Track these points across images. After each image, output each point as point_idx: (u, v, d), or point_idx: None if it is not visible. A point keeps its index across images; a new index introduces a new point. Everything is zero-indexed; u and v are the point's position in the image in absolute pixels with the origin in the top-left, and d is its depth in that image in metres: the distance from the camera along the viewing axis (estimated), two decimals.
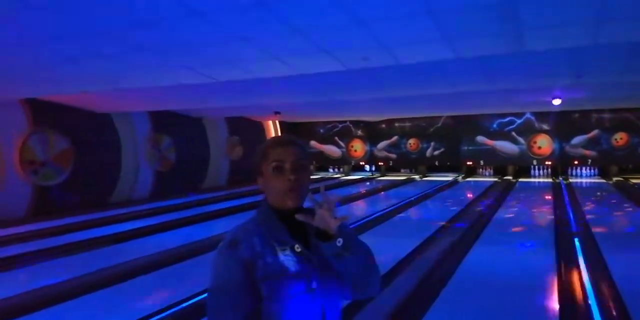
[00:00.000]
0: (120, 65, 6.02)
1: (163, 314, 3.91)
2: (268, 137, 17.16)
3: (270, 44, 5.14)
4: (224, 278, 1.28)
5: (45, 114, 9.57)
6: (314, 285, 1.32)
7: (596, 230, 7.07)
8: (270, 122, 17.32)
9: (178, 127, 13.08)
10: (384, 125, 18.06)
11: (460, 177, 16.34)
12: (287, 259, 1.31)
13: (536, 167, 16.27)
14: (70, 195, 10.04)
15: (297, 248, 1.32)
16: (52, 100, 9.50)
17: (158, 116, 12.24)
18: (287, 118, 16.90)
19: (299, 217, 1.33)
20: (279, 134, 17.64)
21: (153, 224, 8.16)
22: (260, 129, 17.02)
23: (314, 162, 19.04)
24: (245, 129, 15.93)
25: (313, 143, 18.96)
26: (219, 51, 5.38)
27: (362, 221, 8.15)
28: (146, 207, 10.27)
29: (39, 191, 9.46)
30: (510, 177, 15.76)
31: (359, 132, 18.45)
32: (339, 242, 1.29)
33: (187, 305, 4.07)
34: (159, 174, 12.45)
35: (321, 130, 18.88)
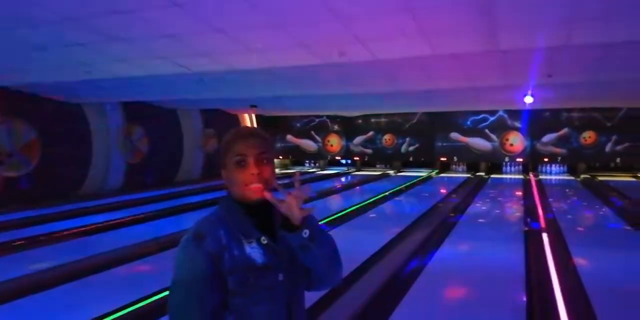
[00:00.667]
0: (90, 55, 5.86)
1: (132, 308, 3.85)
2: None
3: (246, 36, 5.09)
4: (190, 272, 1.26)
5: (12, 104, 9.26)
6: (281, 277, 1.32)
7: (563, 225, 7.27)
8: (247, 116, 17.19)
9: (151, 118, 12.84)
10: (360, 121, 18.13)
11: (434, 172, 16.56)
12: (253, 251, 1.30)
13: (508, 163, 16.62)
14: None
15: (264, 240, 1.32)
16: (21, 90, 9.19)
17: (131, 106, 11.99)
18: (264, 112, 16.80)
19: (267, 195, 1.31)
20: (243, 126, 17.52)
21: (124, 216, 8.01)
22: (236, 122, 16.85)
23: (289, 157, 19.01)
24: (221, 122, 15.75)
25: (289, 137, 18.91)
26: (194, 42, 5.30)
27: (337, 215, 8.18)
28: (117, 200, 10.08)
29: (5, 182, 9.18)
30: (482, 174, 16.06)
31: (336, 127, 18.49)
32: (305, 233, 1.29)
33: (157, 299, 4.02)
34: (130, 166, 12.21)
35: (298, 125, 18.84)
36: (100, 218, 7.87)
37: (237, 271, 1.27)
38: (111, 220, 7.68)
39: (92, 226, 7.26)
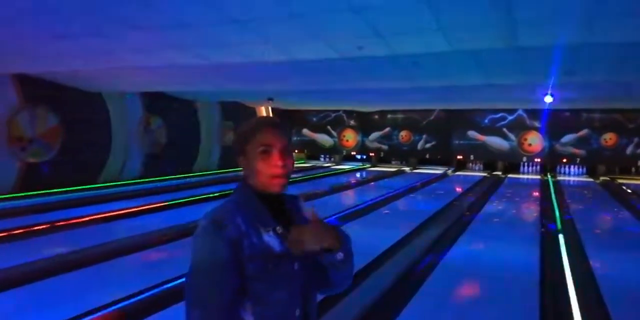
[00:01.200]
0: (111, 44, 5.92)
1: (147, 294, 3.90)
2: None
3: (265, 28, 5.09)
4: (211, 257, 1.26)
5: (35, 91, 9.42)
6: (296, 266, 1.32)
7: (580, 227, 7.16)
8: (263, 109, 17.23)
9: (170, 109, 12.97)
10: (376, 116, 18.04)
11: (450, 170, 16.43)
12: (271, 239, 1.30)
13: (525, 163, 16.39)
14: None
15: (279, 230, 1.32)
16: (44, 77, 9.35)
17: (150, 97, 12.12)
18: (280, 105, 16.83)
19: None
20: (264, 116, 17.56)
21: (140, 204, 8.12)
22: (254, 115, 16.92)
23: (305, 151, 19.02)
24: (238, 115, 15.84)
25: (305, 131, 18.92)
26: (214, 33, 5.31)
27: (351, 210, 8.18)
28: (135, 188, 10.22)
29: (27, 167, 9.37)
30: (499, 173, 15.88)
31: (352, 122, 18.43)
32: (340, 256, 1.30)
33: (171, 286, 4.07)
34: (149, 155, 12.36)
35: (314, 119, 18.83)
36: (118, 205, 7.99)
37: (257, 258, 1.27)
38: (129, 208, 7.79)
39: (111, 213, 7.37)
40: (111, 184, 10.85)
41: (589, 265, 5.08)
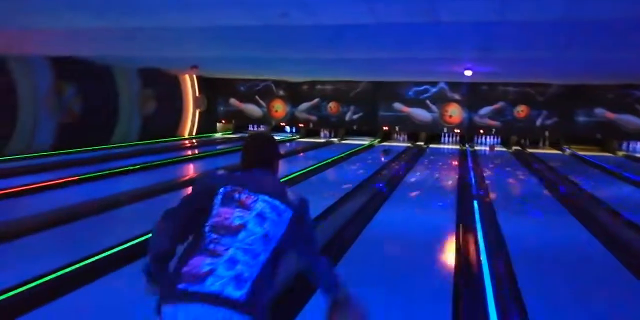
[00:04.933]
0: (12, 3, 5.34)
1: (58, 273, 3.70)
2: (184, 92, 16.44)
3: None
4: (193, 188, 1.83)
5: None
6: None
7: (493, 193, 7.69)
8: (187, 77, 16.55)
9: (84, 77, 12.06)
10: (305, 87, 17.97)
11: (376, 141, 16.87)
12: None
13: (446, 134, 17.20)
14: None
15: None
16: None
17: (62, 63, 11.18)
18: (206, 73, 16.23)
19: None
20: (197, 90, 16.97)
21: (52, 178, 7.58)
22: (176, 83, 16.21)
23: (232, 121, 18.62)
24: (160, 83, 15.08)
25: (233, 101, 18.47)
26: None
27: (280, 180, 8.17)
28: (45, 161, 9.52)
29: None
30: (422, 143, 16.55)
31: (281, 92, 18.23)
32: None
33: (86, 264, 3.88)
34: (62, 126, 11.51)
35: (242, 88, 18.40)
36: (27, 180, 7.41)
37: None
38: (40, 182, 7.25)
39: (19, 188, 6.83)
40: (19, 156, 10.03)
41: (499, 227, 5.49)
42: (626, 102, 15.50)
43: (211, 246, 1.66)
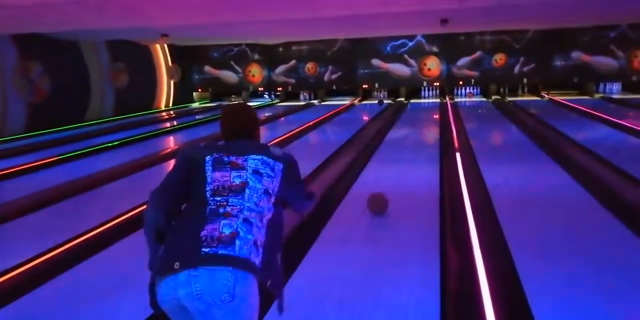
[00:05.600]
0: None
1: (43, 258, 3.69)
2: (156, 63, 15.98)
3: None
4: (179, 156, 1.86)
5: None
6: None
7: (475, 144, 7.78)
8: (158, 46, 16.04)
9: (51, 53, 11.61)
10: (281, 49, 17.58)
11: (357, 100, 16.78)
12: None
13: (426, 88, 17.15)
14: None
15: None
16: None
17: (25, 41, 10.71)
18: (177, 41, 15.73)
19: None
20: (169, 60, 16.51)
21: (29, 161, 7.43)
22: (148, 54, 15.73)
23: (209, 89, 18.28)
24: (131, 55, 14.60)
25: (207, 68, 18.06)
26: None
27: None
28: (20, 144, 9.31)
29: None
30: (402, 99, 16.51)
31: (256, 56, 17.84)
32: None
33: (72, 246, 3.87)
34: (32, 106, 11.18)
35: (215, 55, 17.94)
36: (5, 164, 7.26)
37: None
38: (17, 166, 7.11)
39: None
40: None
41: (482, 177, 5.60)
42: (601, 43, 15.54)
43: (221, 210, 1.64)
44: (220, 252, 1.54)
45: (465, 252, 3.42)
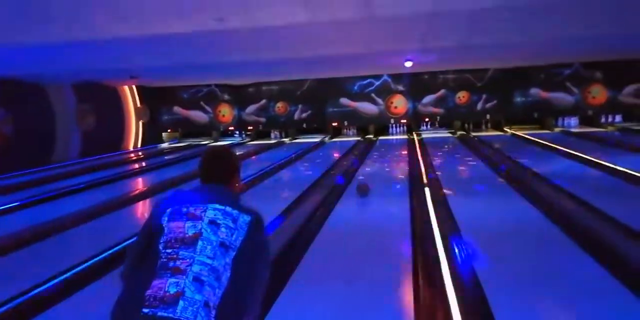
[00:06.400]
0: None
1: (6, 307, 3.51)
2: (125, 104, 15.91)
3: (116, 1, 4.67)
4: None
5: None
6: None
7: (443, 179, 7.93)
8: (127, 88, 16.03)
9: (14, 97, 11.43)
10: (251, 89, 17.82)
11: (327, 138, 17.00)
12: None
13: (393, 125, 17.56)
14: None
15: None
16: None
17: None
18: (146, 83, 15.78)
19: None
20: (138, 102, 16.48)
21: None
22: (116, 95, 15.66)
23: (179, 130, 18.22)
24: (98, 96, 14.51)
25: (177, 109, 18.06)
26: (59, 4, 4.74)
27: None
28: None
29: None
30: (371, 136, 16.82)
31: (226, 96, 17.99)
32: None
33: (28, 298, 3.68)
34: None
35: (185, 95, 18.00)
36: None
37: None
38: None
39: None
40: None
41: (451, 211, 5.68)
42: (557, 80, 16.38)
43: (171, 264, 1.57)
44: (159, 313, 1.48)
45: (438, 289, 3.43)
